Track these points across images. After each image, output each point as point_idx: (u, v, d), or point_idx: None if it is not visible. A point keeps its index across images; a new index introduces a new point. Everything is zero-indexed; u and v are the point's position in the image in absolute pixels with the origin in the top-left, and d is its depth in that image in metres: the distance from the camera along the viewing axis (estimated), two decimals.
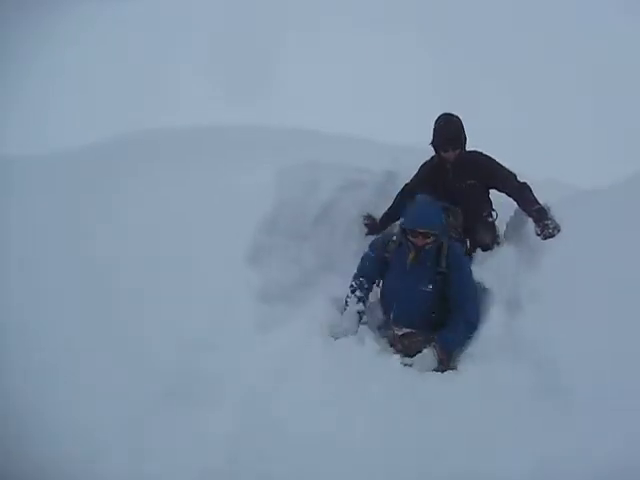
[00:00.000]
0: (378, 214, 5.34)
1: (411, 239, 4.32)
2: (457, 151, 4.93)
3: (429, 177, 5.09)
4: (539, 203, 4.71)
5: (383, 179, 5.53)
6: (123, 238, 4.77)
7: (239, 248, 4.67)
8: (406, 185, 5.22)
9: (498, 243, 4.98)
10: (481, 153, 5.02)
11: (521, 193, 4.83)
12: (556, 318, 3.80)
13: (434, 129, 4.97)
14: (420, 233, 4.28)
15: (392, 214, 5.21)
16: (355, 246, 5.15)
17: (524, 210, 4.81)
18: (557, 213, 4.62)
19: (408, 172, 5.31)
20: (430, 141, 4.98)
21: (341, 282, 4.70)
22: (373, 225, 5.30)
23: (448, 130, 4.93)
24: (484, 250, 4.86)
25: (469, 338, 4.17)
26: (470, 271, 4.39)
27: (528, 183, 4.84)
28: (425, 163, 5.17)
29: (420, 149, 5.18)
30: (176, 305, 4.24)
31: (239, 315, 4.25)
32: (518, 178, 4.89)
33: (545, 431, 3.25)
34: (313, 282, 4.79)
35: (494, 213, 5.06)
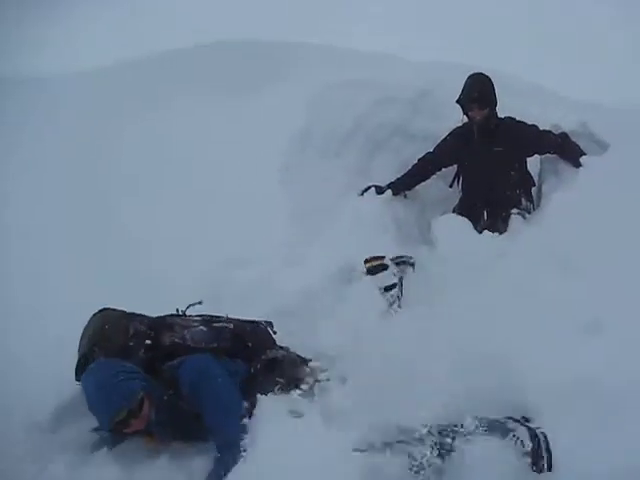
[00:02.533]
0: (410, 130, 5.27)
1: None
2: (484, 111, 4.70)
3: (454, 144, 4.91)
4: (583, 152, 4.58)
5: (416, 95, 5.40)
6: (156, 157, 4.79)
7: (272, 165, 4.70)
8: (428, 153, 5.00)
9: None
10: (514, 118, 4.82)
11: (563, 144, 4.69)
12: None
13: (462, 87, 4.78)
14: None
15: (407, 180, 4.99)
16: (386, 163, 5.13)
17: (570, 161, 4.64)
18: None
19: (440, 88, 5.22)
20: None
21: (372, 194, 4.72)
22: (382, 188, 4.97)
23: (474, 87, 4.72)
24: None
25: None
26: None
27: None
28: (453, 129, 4.96)
29: (452, 65, 5.09)
30: (209, 224, 4.30)
31: (271, 233, 4.31)
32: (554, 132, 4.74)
33: None
34: (345, 199, 4.78)
35: (526, 204, 4.82)
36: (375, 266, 3.99)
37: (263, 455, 2.60)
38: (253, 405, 2.86)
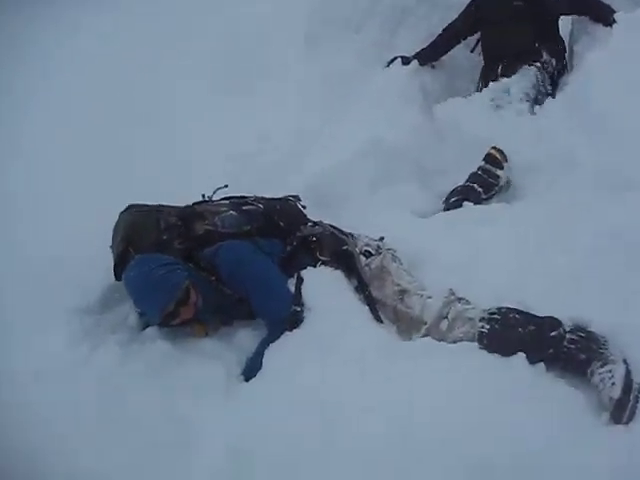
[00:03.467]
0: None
1: None
2: None
3: (476, 9, 4.68)
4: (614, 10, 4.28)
5: None
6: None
7: (291, 40, 4.59)
8: (451, 23, 4.78)
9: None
10: None
11: (591, 7, 4.43)
12: None
13: None
14: None
15: (431, 51, 4.78)
16: (410, 33, 4.93)
17: (597, 19, 4.38)
18: None
19: None
20: None
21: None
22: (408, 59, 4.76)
23: None
24: None
25: None
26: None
27: None
28: None
29: None
30: (231, 104, 4.21)
31: (294, 110, 4.25)
32: None
33: None
34: (369, 71, 4.63)
35: (548, 58, 4.53)
36: (496, 159, 3.81)
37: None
38: (299, 282, 2.87)
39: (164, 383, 2.60)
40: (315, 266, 2.97)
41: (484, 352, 2.60)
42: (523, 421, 2.32)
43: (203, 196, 3.26)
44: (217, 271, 2.84)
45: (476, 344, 2.64)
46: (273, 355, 2.64)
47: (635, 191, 3.20)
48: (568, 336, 2.62)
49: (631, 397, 2.42)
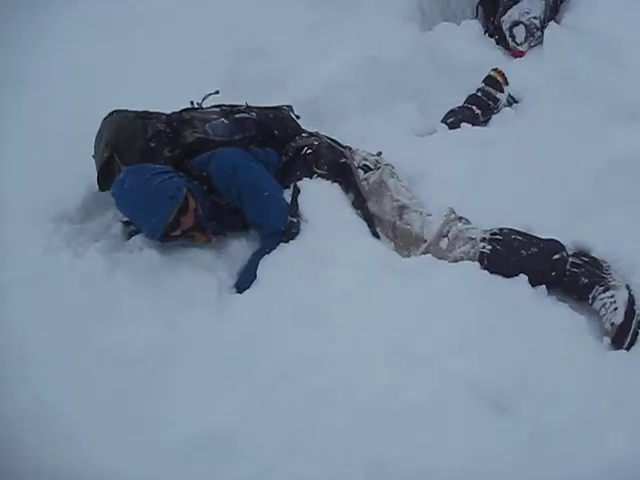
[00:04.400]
0: None
1: None
2: None
3: None
4: None
5: None
6: None
7: None
8: None
9: None
10: None
11: None
12: None
13: None
14: None
15: None
16: None
17: None
18: None
19: None
20: None
21: None
22: None
23: None
24: None
25: None
26: None
27: None
28: None
29: None
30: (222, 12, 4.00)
31: (288, 21, 4.04)
32: None
33: None
34: None
35: None
36: (497, 81, 3.65)
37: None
38: (296, 192, 2.76)
39: (153, 292, 2.48)
40: (311, 178, 2.85)
41: (485, 272, 2.53)
42: (523, 343, 2.27)
43: (192, 103, 3.07)
44: (210, 179, 2.70)
45: (477, 264, 2.55)
46: (268, 267, 2.55)
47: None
48: (571, 260, 2.57)
49: (633, 323, 2.39)
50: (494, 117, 3.56)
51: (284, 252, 2.58)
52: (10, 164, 3.14)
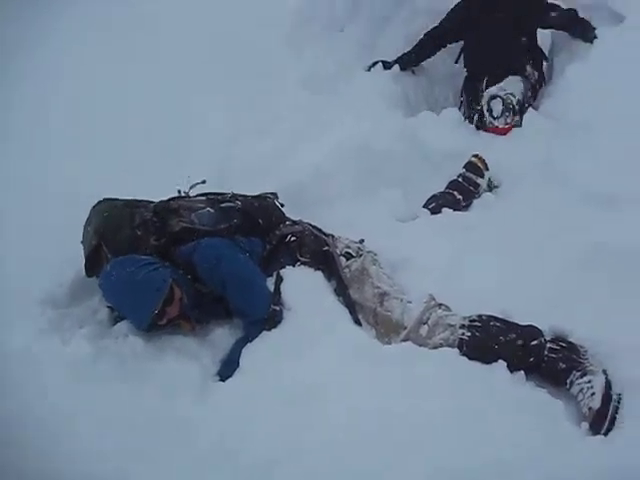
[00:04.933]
0: (417, 3, 4.98)
1: None
2: None
3: (458, 17, 4.70)
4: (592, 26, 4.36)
5: None
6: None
7: (275, 39, 4.57)
8: (433, 28, 4.77)
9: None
10: None
11: (569, 18, 4.45)
12: None
13: None
14: None
15: (413, 55, 4.78)
16: (391, 37, 4.92)
17: (574, 35, 4.47)
18: None
19: None
20: None
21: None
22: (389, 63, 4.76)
23: None
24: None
25: None
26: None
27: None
28: (457, 4, 4.73)
29: None
30: (215, 99, 4.16)
31: (278, 108, 4.21)
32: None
33: None
34: (352, 73, 4.63)
35: (532, 71, 4.54)
36: (477, 167, 3.80)
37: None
38: (279, 281, 2.82)
39: (137, 381, 2.50)
40: (294, 266, 2.92)
41: (464, 359, 2.57)
42: (502, 429, 2.30)
43: (179, 191, 3.16)
44: (195, 269, 2.76)
45: (456, 350, 2.60)
46: (251, 354, 2.58)
47: (617, 203, 3.21)
48: (549, 345, 2.62)
49: (610, 408, 2.42)
50: (475, 202, 3.67)
51: (266, 340, 2.61)
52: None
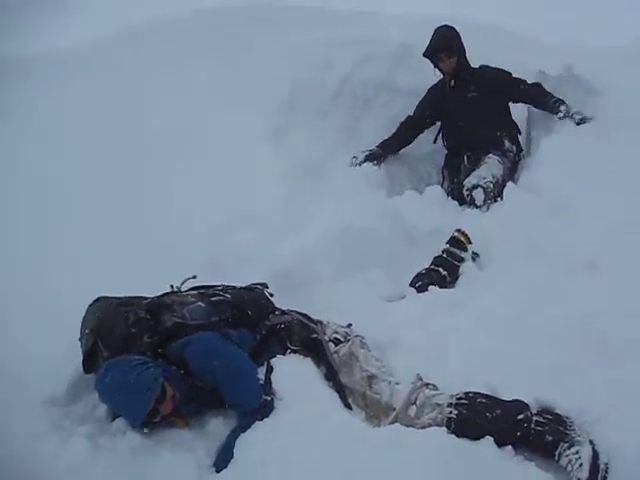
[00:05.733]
0: (395, 85, 5.22)
1: None
2: (453, 59, 4.73)
3: (433, 99, 4.95)
4: (556, 96, 4.64)
5: (398, 50, 5.34)
6: (135, 125, 4.80)
7: (260, 129, 4.72)
8: (408, 117, 5.01)
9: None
10: (487, 66, 4.85)
11: (536, 92, 4.73)
12: None
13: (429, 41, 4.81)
14: None
15: (393, 143, 4.99)
16: (374, 120, 5.13)
17: (543, 107, 4.73)
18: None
19: (422, 42, 5.14)
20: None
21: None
22: (372, 154, 4.90)
23: (439, 36, 4.76)
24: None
25: None
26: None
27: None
28: (429, 89, 4.98)
29: (432, 17, 5.07)
30: (203, 190, 4.30)
31: (264, 196, 4.32)
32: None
33: None
34: (336, 158, 4.81)
35: (510, 146, 4.76)
36: (460, 241, 3.87)
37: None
38: (269, 371, 2.89)
39: (134, 477, 2.56)
40: (284, 354, 3.00)
41: (452, 437, 2.62)
42: None
43: (172, 287, 3.27)
44: (187, 364, 2.84)
45: (444, 429, 2.66)
46: (244, 444, 2.63)
47: (599, 273, 3.35)
48: (535, 419, 2.68)
49: (599, 478, 2.48)
50: (461, 278, 3.77)
51: (260, 430, 2.67)
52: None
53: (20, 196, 4.23)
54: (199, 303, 3.11)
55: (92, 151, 4.55)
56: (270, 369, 2.89)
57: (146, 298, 3.14)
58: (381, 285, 3.69)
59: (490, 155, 4.60)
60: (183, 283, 3.28)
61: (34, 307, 3.43)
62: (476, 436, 2.61)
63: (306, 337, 3.05)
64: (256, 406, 2.73)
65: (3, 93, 5.05)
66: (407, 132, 5.01)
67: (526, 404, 2.73)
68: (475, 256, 3.88)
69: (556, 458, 2.61)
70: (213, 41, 5.73)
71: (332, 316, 3.27)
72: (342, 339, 3.09)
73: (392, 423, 2.75)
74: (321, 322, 3.18)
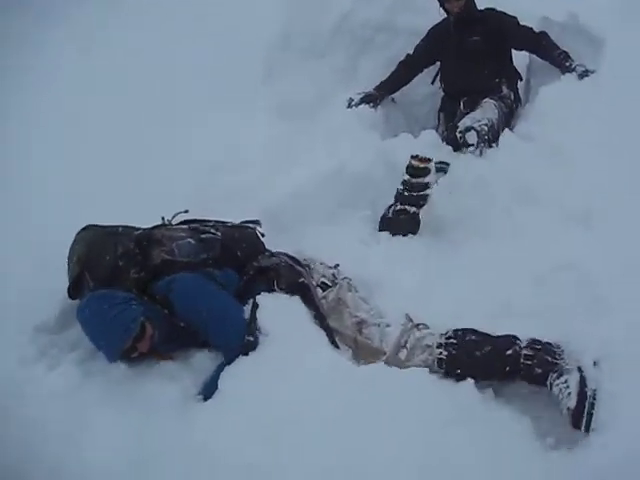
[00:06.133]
0: (395, 25, 5.07)
1: None
2: (461, 1, 4.56)
3: (434, 39, 4.80)
4: (561, 49, 4.54)
5: None
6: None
7: (253, 66, 4.72)
8: (408, 55, 4.88)
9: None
10: (493, 9, 4.69)
11: (539, 41, 4.62)
12: None
13: None
14: None
15: (390, 82, 4.88)
16: (372, 61, 5.04)
17: (546, 58, 4.64)
18: None
19: None
20: None
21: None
22: (368, 95, 4.79)
23: None
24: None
25: None
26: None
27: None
28: (430, 28, 4.82)
29: None
30: (195, 129, 4.31)
31: (258, 134, 4.31)
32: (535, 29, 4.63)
33: None
34: (330, 99, 4.75)
35: (508, 92, 4.67)
36: (419, 168, 3.62)
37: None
38: (254, 307, 2.89)
39: (122, 403, 2.62)
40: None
41: (434, 377, 2.68)
42: (470, 445, 2.41)
43: (163, 219, 3.25)
44: (171, 304, 2.85)
45: (427, 370, 2.71)
46: (229, 377, 2.67)
47: (590, 221, 3.37)
48: (524, 352, 2.74)
49: (586, 404, 2.53)
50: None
51: (244, 364, 2.70)
52: None
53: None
54: (189, 239, 3.09)
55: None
56: (256, 306, 2.89)
57: (137, 229, 3.12)
58: (367, 228, 3.71)
59: (486, 100, 4.52)
60: (174, 217, 3.26)
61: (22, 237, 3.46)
62: (467, 374, 2.69)
63: (293, 281, 3.02)
64: (239, 345, 2.74)
65: None
66: (405, 71, 4.90)
67: (515, 337, 2.80)
68: (444, 166, 3.77)
69: (548, 388, 2.67)
70: None
71: (321, 256, 3.29)
72: (330, 283, 3.08)
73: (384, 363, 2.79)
74: (309, 266, 3.17)
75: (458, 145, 4.26)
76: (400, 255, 3.41)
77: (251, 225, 3.32)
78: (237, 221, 3.35)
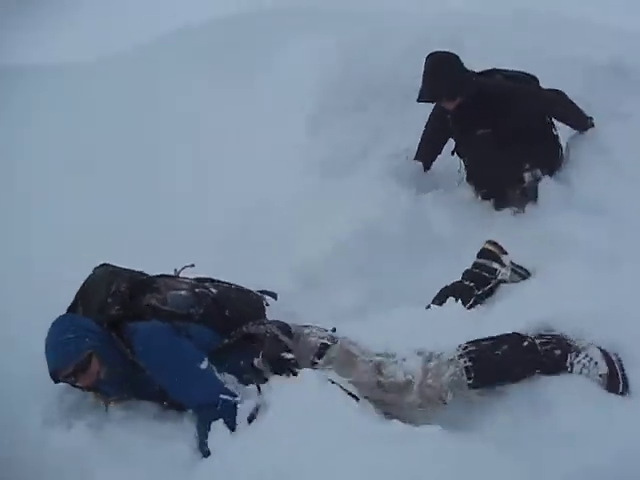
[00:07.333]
0: None
1: None
2: (455, 100, 4.02)
3: (435, 127, 4.38)
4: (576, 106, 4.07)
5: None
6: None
7: (297, 121, 4.82)
8: (422, 137, 4.48)
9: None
10: (498, 72, 4.13)
11: (564, 110, 4.13)
12: None
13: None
14: None
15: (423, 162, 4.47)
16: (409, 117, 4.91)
17: (566, 122, 4.19)
18: None
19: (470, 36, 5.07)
20: None
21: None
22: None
23: (432, 78, 3.99)
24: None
25: None
26: None
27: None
28: (432, 112, 4.37)
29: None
30: (239, 175, 4.41)
31: (294, 185, 4.34)
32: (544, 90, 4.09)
33: None
34: (371, 153, 4.72)
35: (532, 172, 4.12)
36: (490, 251, 3.51)
37: None
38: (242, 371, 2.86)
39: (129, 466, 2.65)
40: (252, 365, 2.88)
41: (446, 433, 2.50)
42: None
43: (175, 270, 3.32)
44: (132, 346, 2.85)
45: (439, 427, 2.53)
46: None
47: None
48: (537, 341, 2.82)
49: (617, 367, 2.68)
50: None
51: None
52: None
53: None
54: (182, 292, 3.12)
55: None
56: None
57: (145, 275, 3.20)
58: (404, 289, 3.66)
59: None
60: (181, 270, 3.31)
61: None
62: (496, 375, 2.78)
63: (275, 354, 2.90)
64: (205, 403, 2.70)
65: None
66: (426, 153, 4.52)
67: (518, 334, 2.86)
68: (524, 272, 3.55)
69: (569, 369, 2.75)
70: (247, 44, 5.88)
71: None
72: (329, 342, 2.95)
73: (417, 400, 2.78)
74: (303, 333, 3.01)
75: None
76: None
77: (260, 293, 3.32)
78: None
